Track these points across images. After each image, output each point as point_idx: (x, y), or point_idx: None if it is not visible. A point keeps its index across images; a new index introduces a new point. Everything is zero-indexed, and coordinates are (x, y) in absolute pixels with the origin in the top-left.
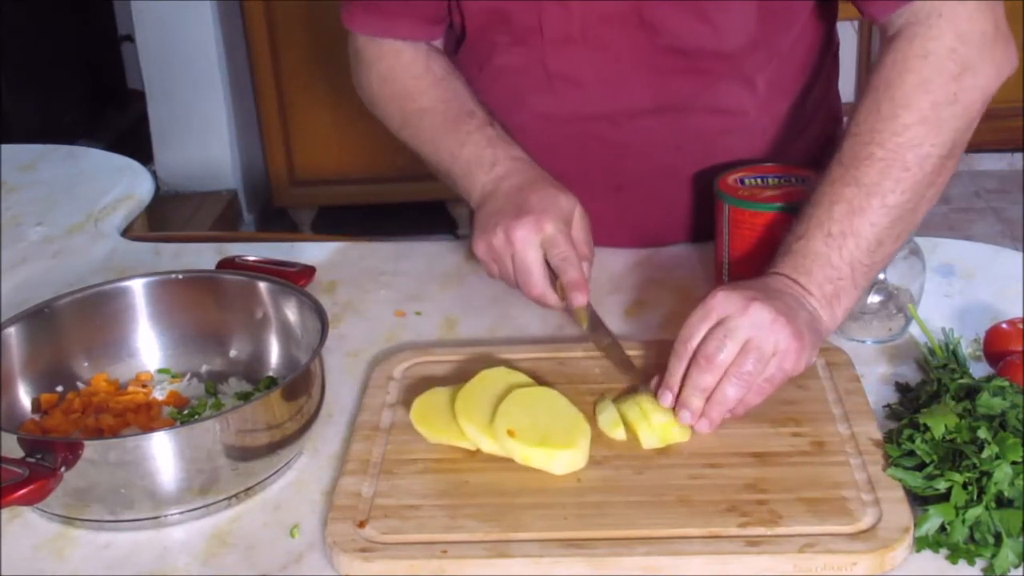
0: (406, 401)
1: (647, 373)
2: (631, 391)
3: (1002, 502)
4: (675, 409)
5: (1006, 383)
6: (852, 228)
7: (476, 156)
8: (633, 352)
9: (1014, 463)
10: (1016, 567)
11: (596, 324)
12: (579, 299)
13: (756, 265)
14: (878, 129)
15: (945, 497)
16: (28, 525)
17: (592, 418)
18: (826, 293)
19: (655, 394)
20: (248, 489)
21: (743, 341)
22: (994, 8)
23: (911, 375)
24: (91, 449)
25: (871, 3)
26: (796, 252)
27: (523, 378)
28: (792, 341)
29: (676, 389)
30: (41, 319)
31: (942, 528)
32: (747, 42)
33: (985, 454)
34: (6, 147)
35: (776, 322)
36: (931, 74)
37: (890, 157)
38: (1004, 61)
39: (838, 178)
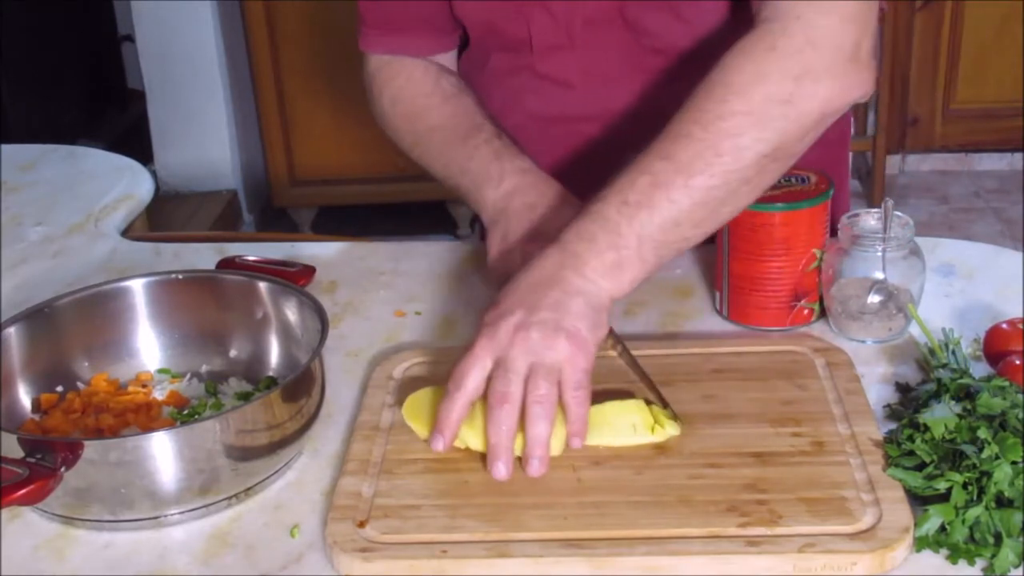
0: None
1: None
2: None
3: (1002, 502)
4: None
5: (1006, 383)
6: (649, 200)
7: (484, 170)
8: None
9: (1014, 463)
10: (1016, 567)
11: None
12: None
13: (756, 266)
14: (705, 110)
15: (945, 497)
16: (28, 525)
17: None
18: (606, 262)
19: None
20: (248, 489)
21: (525, 371)
22: (862, 33)
23: (911, 375)
24: (91, 449)
25: None
26: (588, 215)
27: None
28: (569, 344)
29: (449, 431)
30: (41, 319)
31: (942, 528)
32: (721, 42)
33: (985, 454)
34: (6, 147)
35: (546, 338)
36: (771, 69)
37: (708, 139)
38: (854, 83)
39: (654, 150)
